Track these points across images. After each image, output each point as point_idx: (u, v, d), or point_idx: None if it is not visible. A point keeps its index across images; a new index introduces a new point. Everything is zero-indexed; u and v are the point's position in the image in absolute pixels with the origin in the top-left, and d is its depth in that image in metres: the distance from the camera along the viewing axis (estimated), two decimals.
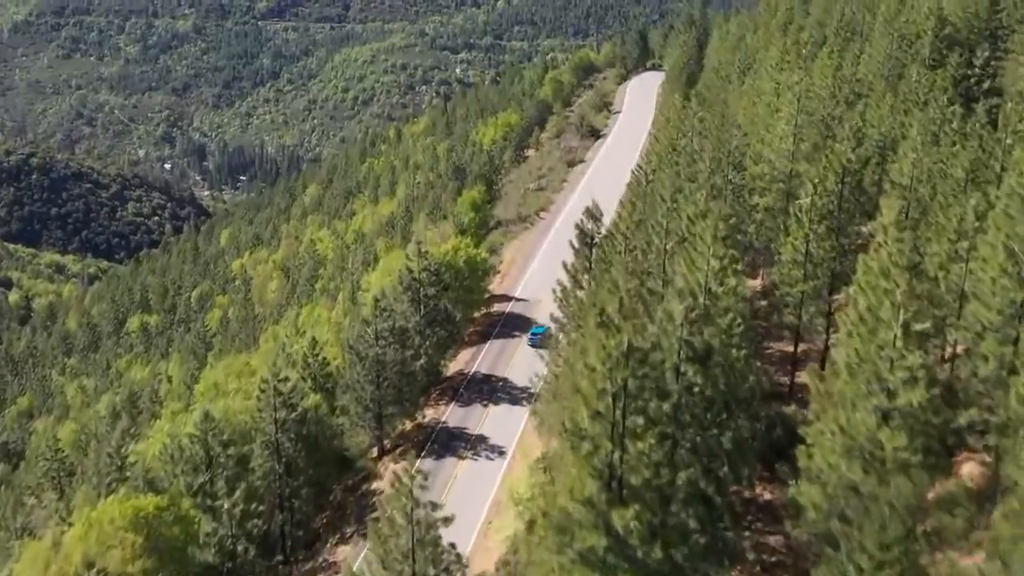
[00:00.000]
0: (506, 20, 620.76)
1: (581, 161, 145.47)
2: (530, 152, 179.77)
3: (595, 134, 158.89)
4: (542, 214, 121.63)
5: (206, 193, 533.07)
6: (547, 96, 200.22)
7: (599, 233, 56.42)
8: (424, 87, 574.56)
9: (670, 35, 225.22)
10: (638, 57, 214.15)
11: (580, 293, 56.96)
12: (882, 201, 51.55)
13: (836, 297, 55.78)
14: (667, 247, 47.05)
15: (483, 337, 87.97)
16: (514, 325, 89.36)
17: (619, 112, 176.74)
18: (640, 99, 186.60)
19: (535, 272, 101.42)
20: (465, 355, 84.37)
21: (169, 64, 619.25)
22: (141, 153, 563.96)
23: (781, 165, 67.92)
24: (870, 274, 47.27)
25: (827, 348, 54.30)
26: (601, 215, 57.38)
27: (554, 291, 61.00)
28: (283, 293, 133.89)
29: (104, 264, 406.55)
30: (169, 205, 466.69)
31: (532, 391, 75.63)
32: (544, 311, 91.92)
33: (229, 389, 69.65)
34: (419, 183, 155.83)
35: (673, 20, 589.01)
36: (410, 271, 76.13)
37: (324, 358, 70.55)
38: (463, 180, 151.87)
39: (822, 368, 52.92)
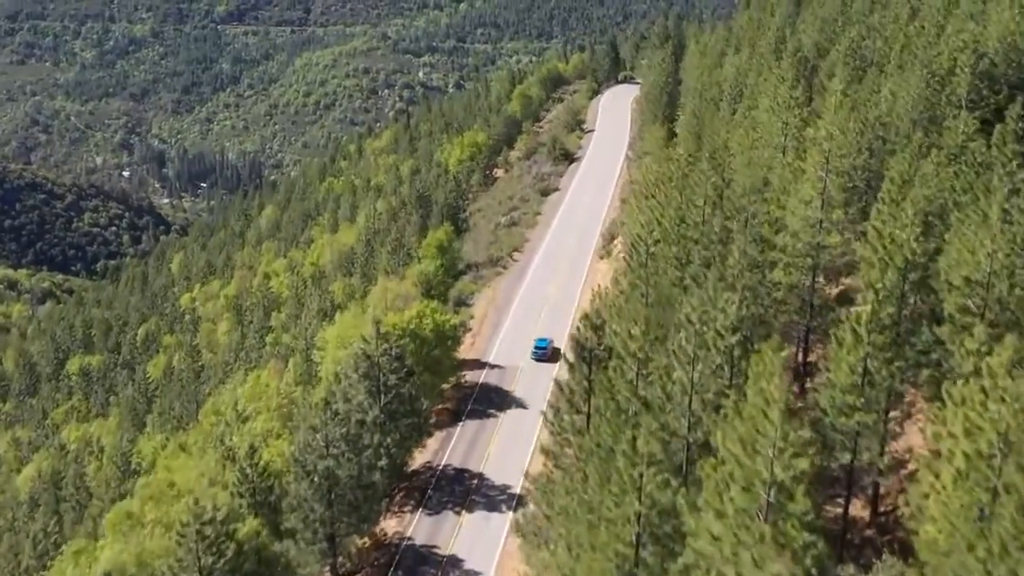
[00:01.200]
0: (469, 23, 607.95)
1: (555, 190, 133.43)
2: (499, 173, 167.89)
3: (568, 157, 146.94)
4: (515, 255, 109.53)
5: (165, 201, 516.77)
6: (515, 112, 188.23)
7: (599, 347, 44.18)
8: (387, 91, 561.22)
9: (642, 46, 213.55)
10: (609, 69, 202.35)
11: (578, 419, 44.82)
12: (977, 330, 39.96)
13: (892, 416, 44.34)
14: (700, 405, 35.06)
15: (454, 416, 75.76)
16: (488, 400, 77.21)
17: (592, 131, 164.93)
18: (614, 116, 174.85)
19: (509, 330, 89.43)
20: (434, 442, 72.07)
21: (126, 69, 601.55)
22: (98, 160, 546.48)
23: (808, 236, 56.25)
24: (971, 425, 35.53)
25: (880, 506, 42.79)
26: (603, 323, 45.06)
27: (543, 413, 49.01)
28: (233, 341, 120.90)
29: (59, 278, 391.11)
30: (127, 215, 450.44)
31: (515, 493, 63.86)
32: (524, 382, 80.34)
33: (146, 520, 57.16)
34: (380, 214, 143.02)
35: (638, 24, 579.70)
36: (367, 356, 63.67)
37: (265, 467, 57.98)
38: (428, 209, 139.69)
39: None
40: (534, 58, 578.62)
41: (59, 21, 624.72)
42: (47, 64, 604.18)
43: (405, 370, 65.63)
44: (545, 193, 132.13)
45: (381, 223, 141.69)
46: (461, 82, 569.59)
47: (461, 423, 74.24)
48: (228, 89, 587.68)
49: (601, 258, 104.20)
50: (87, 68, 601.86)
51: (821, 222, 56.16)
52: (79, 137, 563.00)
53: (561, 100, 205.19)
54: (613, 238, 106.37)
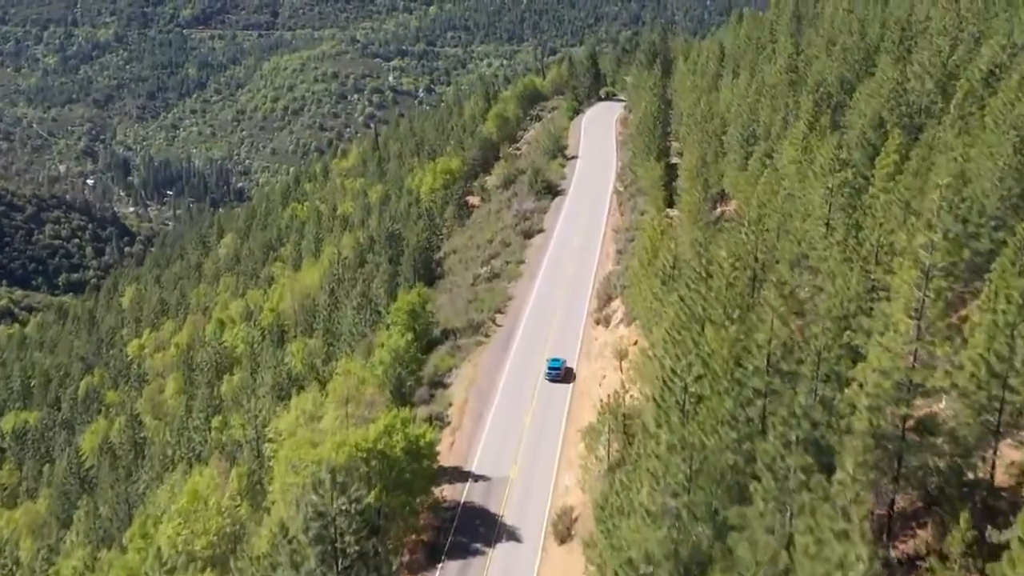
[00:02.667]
0: (439, 26, 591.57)
1: (539, 230, 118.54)
2: (474, 200, 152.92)
3: (552, 190, 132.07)
4: (498, 318, 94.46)
5: (131, 210, 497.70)
6: (491, 133, 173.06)
7: None
8: (356, 96, 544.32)
9: (624, 60, 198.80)
10: (590, 86, 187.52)
11: None
12: None
13: None
14: None
15: (430, 554, 60.68)
16: (473, 531, 62.16)
17: (576, 158, 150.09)
18: (598, 139, 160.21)
19: (495, 424, 74.51)
20: None
21: (90, 75, 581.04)
22: (62, 168, 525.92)
23: (899, 376, 41.57)
24: None
25: None
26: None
27: None
28: (177, 415, 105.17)
29: (19, 294, 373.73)
30: (90, 226, 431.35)
31: None
32: (515, 500, 65.58)
33: None
34: (346, 257, 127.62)
35: (610, 27, 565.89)
36: (320, 514, 48.45)
37: None
38: (398, 250, 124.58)
39: None
40: (505, 61, 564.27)
41: (20, 26, 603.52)
42: (8, 70, 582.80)
43: (368, 527, 50.44)
44: (528, 235, 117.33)
45: (346, 267, 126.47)
46: (431, 86, 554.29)
47: (440, 565, 59.19)
48: (194, 95, 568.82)
49: (597, 323, 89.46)
50: (49, 74, 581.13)
51: (916, 354, 41.52)
52: (41, 145, 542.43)
53: (539, 118, 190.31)
54: (609, 299, 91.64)
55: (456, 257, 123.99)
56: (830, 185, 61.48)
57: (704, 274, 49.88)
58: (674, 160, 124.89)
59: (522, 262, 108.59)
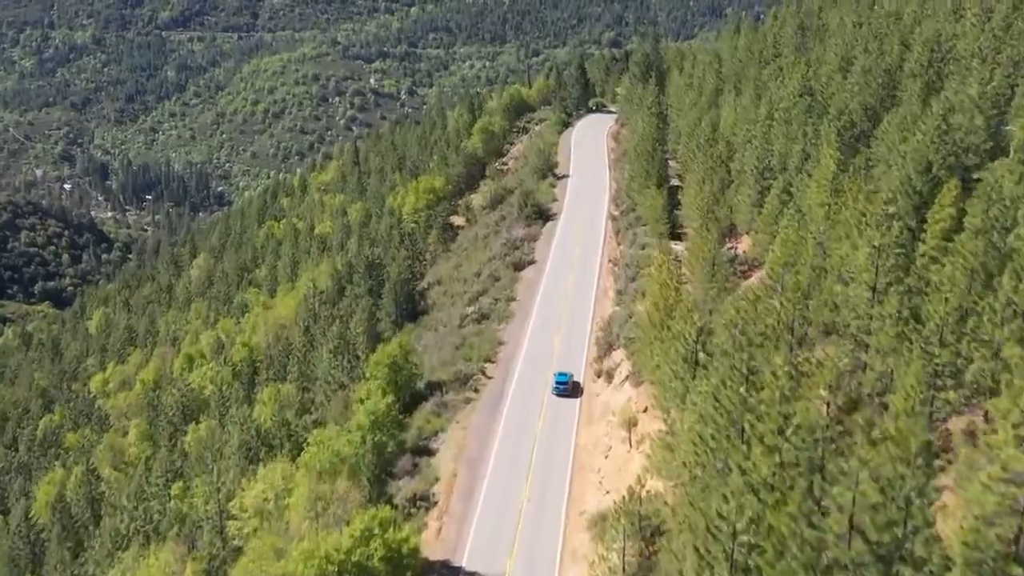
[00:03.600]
0: (421, 27, 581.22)
1: (531, 262, 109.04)
2: (459, 221, 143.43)
3: (542, 214, 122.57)
4: (488, 368, 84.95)
5: (109, 215, 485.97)
6: (476, 148, 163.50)
7: None
8: (338, 98, 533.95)
9: (612, 69, 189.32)
10: (579, 97, 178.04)
11: None
12: None
13: None
14: None
15: None
16: None
17: (567, 176, 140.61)
18: (590, 156, 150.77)
19: (487, 504, 65.05)
20: None
21: (67, 78, 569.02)
22: (38, 173, 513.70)
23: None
24: None
25: None
26: None
27: None
28: (136, 473, 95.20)
29: None
30: (66, 233, 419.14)
31: None
32: None
33: None
34: (322, 292, 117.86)
35: (593, 28, 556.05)
36: None
37: None
38: (379, 280, 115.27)
39: None
40: (488, 63, 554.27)
41: None
42: None
43: None
44: (519, 267, 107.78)
45: (323, 301, 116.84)
46: (414, 88, 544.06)
47: None
48: (173, 97, 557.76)
49: (597, 375, 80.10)
50: (26, 77, 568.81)
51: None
52: (18, 149, 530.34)
53: (526, 131, 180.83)
54: (610, 347, 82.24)
55: (441, 289, 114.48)
56: (877, 244, 52.24)
57: (745, 373, 40.46)
58: (673, 181, 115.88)
59: (513, 299, 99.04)
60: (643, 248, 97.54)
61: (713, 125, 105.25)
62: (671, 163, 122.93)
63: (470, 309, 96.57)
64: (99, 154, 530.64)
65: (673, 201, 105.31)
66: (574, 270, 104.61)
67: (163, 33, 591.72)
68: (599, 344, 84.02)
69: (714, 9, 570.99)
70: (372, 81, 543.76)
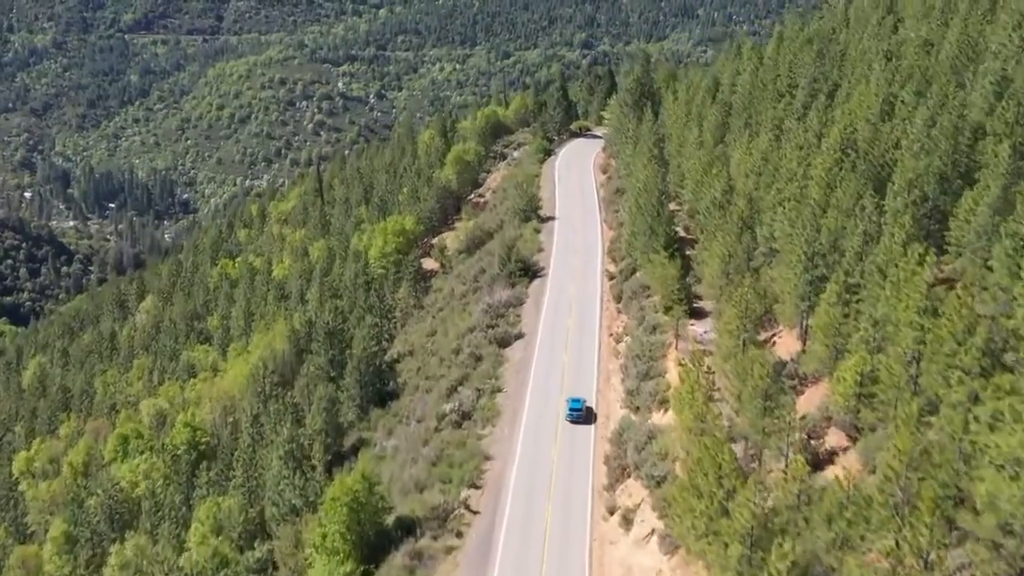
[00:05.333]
0: (389, 29, 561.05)
1: (518, 336, 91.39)
2: (432, 265, 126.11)
3: (528, 270, 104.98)
4: (473, 497, 67.35)
5: (70, 224, 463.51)
6: (450, 180, 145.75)
7: None
8: (305, 103, 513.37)
9: (597, 89, 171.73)
10: (561, 121, 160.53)
11: None
12: None
13: None
14: None
15: None
16: None
17: (553, 219, 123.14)
18: (577, 193, 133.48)
19: None
20: None
21: (27, 82, 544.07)
22: None
23: None
24: None
25: None
26: None
27: None
28: None
29: None
30: (24, 245, 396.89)
31: None
32: None
33: None
34: (272, 372, 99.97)
35: (564, 31, 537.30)
36: None
37: None
38: (341, 348, 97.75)
39: None
40: (458, 65, 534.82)
41: None
42: None
43: None
44: (504, 342, 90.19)
45: (274, 378, 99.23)
46: (383, 92, 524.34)
47: None
48: (137, 102, 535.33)
49: (610, 512, 62.78)
50: None
51: None
52: None
53: (503, 156, 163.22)
54: (624, 471, 65.07)
55: (414, 363, 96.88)
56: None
57: None
58: (676, 219, 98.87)
59: (499, 390, 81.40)
60: (654, 330, 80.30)
61: (727, 175, 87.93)
62: (673, 205, 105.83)
63: (448, 407, 78.79)
64: (60, 161, 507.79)
65: (683, 258, 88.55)
66: (569, 349, 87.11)
67: (126, 36, 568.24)
68: (609, 465, 66.77)
69: (686, 10, 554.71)
70: (340, 85, 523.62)
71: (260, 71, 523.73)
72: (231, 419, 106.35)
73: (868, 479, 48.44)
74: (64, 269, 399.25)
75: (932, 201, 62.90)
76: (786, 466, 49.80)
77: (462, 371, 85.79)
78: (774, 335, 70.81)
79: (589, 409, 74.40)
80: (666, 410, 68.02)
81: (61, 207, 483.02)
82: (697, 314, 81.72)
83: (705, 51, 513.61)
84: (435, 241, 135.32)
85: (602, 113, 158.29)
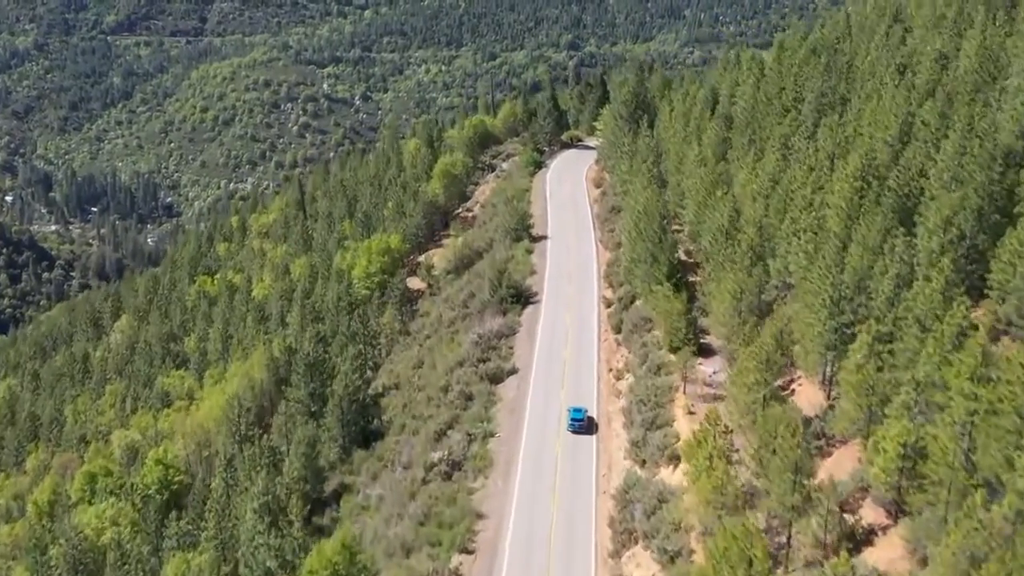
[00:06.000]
0: (375, 31, 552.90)
1: (511, 371, 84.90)
2: (418, 285, 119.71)
3: (520, 296, 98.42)
4: (463, 565, 60.79)
5: (52, 228, 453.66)
6: (436, 195, 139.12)
7: None
8: (290, 104, 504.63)
9: (588, 96, 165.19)
10: (552, 131, 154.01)
11: None
12: None
13: None
14: None
15: None
16: None
17: (545, 239, 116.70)
18: (570, 210, 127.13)
19: None
20: None
21: (8, 85, 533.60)
22: None
23: None
24: None
25: None
26: None
27: None
28: None
29: None
30: (4, 251, 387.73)
31: None
32: None
33: None
34: (248, 409, 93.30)
35: (551, 32, 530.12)
36: None
37: None
38: (322, 381, 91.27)
39: None
40: (444, 67, 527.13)
41: None
42: None
43: None
44: (496, 379, 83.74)
45: (255, 407, 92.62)
46: (368, 93, 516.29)
47: None
48: (120, 105, 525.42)
49: None
50: None
51: None
52: None
53: (492, 168, 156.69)
54: (631, 537, 58.72)
55: (400, 397, 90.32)
56: None
57: None
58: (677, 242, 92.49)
59: (492, 434, 74.97)
60: (659, 370, 73.90)
61: (735, 207, 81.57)
62: (673, 226, 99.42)
63: (436, 455, 72.23)
64: (42, 164, 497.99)
65: (682, 275, 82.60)
66: (566, 386, 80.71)
67: (108, 38, 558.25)
68: (614, 528, 60.40)
69: (672, 11, 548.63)
70: (325, 86, 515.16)
71: (244, 73, 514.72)
72: (206, 453, 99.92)
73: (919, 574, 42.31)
74: (45, 275, 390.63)
75: (970, 239, 56.60)
76: (824, 556, 43.58)
77: (451, 412, 79.29)
78: (792, 381, 64.49)
79: (591, 419, 72.95)
80: (676, 466, 61.78)
81: (43, 211, 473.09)
82: (705, 351, 75.38)
83: (692, 52, 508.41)
84: (422, 259, 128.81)
85: (594, 123, 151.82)
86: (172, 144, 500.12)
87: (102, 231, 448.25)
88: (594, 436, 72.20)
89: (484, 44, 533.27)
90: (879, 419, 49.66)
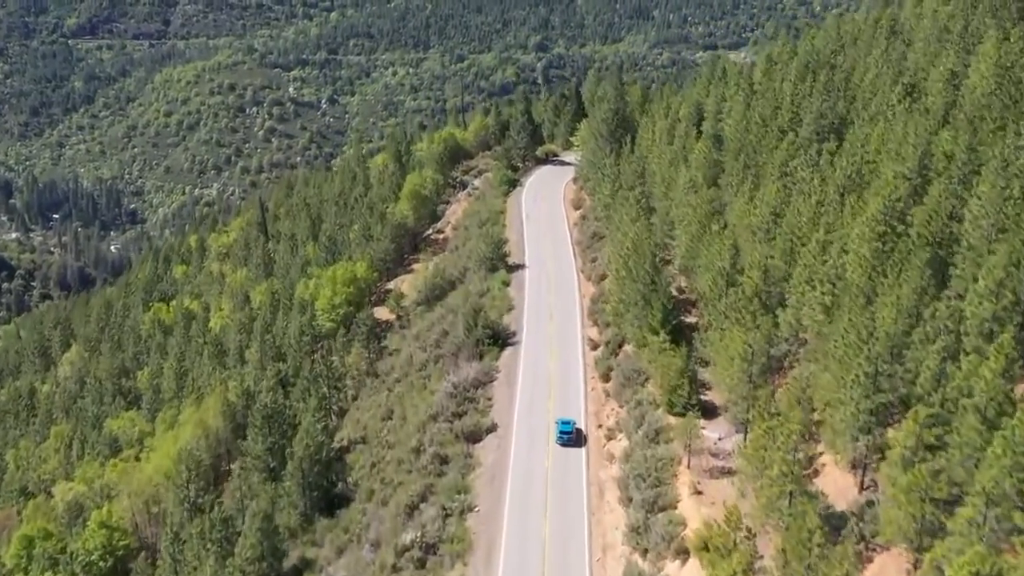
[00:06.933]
0: (341, 33, 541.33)
1: (489, 429, 76.01)
2: (386, 315, 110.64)
3: (497, 338, 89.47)
4: None
5: (12, 236, 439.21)
6: (406, 217, 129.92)
7: None
8: (255, 108, 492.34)
9: (564, 109, 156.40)
10: (526, 146, 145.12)
11: None
12: None
13: None
14: None
15: None
16: None
17: (523, 267, 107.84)
18: (547, 233, 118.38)
19: None
20: None
21: None
22: None
23: None
24: None
25: None
26: None
27: None
28: None
29: None
30: None
31: None
32: None
33: None
34: (204, 464, 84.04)
35: (518, 33, 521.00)
36: None
37: None
38: (282, 436, 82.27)
39: None
40: (411, 69, 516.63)
41: None
42: None
43: None
44: (474, 438, 74.92)
45: (204, 471, 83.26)
46: (335, 96, 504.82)
47: None
48: (81, 109, 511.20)
49: None
50: None
51: None
52: None
53: (464, 185, 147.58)
54: None
55: (368, 455, 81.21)
56: None
57: None
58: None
59: (470, 508, 66.01)
60: (657, 436, 65.21)
61: (734, 245, 73.11)
62: (665, 263, 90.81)
63: (408, 537, 63.17)
64: (2, 171, 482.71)
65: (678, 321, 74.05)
66: (551, 449, 71.85)
67: (70, 41, 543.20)
68: None
69: (640, 12, 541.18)
70: (291, 90, 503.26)
71: (209, 76, 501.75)
72: (155, 510, 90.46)
73: None
74: (5, 285, 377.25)
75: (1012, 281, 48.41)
76: None
77: (424, 480, 70.29)
78: (813, 459, 55.98)
79: (579, 431, 70.66)
80: (685, 561, 53.21)
81: (3, 219, 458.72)
82: (707, 411, 66.89)
83: (661, 53, 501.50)
84: (391, 286, 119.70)
85: (571, 138, 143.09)
86: (136, 149, 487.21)
87: (64, 239, 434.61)
88: (585, 511, 63.39)
89: (452, 46, 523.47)
90: (935, 529, 41.32)
